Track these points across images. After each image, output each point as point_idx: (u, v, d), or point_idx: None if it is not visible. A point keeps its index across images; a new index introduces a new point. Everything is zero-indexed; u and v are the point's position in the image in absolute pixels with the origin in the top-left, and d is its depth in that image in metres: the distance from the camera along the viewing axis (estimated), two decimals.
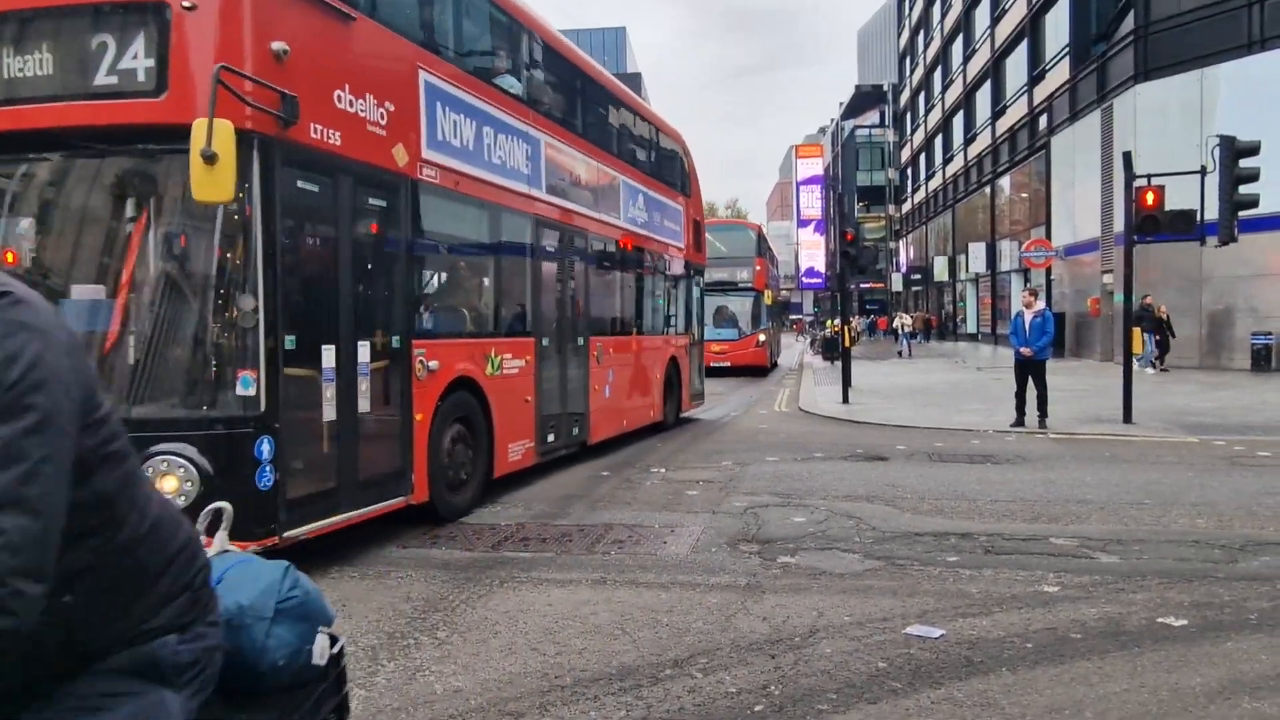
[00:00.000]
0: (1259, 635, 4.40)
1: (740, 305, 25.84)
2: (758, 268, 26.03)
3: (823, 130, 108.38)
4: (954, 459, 10.16)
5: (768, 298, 26.17)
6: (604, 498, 8.16)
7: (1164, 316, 22.08)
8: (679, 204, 14.25)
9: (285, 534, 5.32)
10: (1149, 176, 12.46)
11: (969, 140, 44.27)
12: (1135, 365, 20.52)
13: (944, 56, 49.63)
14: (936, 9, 51.59)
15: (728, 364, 24.74)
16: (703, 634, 4.52)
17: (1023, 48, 35.13)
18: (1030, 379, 12.62)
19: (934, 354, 34.95)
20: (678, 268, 14.17)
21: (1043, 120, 32.87)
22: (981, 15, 41.34)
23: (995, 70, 39.04)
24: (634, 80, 78.98)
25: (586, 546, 6.33)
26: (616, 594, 5.21)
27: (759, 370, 26.39)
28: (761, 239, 28.16)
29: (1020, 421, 12.64)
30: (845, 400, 16.42)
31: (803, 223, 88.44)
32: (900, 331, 36.57)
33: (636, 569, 5.75)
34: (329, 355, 5.76)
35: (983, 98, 41.71)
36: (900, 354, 34.13)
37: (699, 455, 10.79)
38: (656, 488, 8.62)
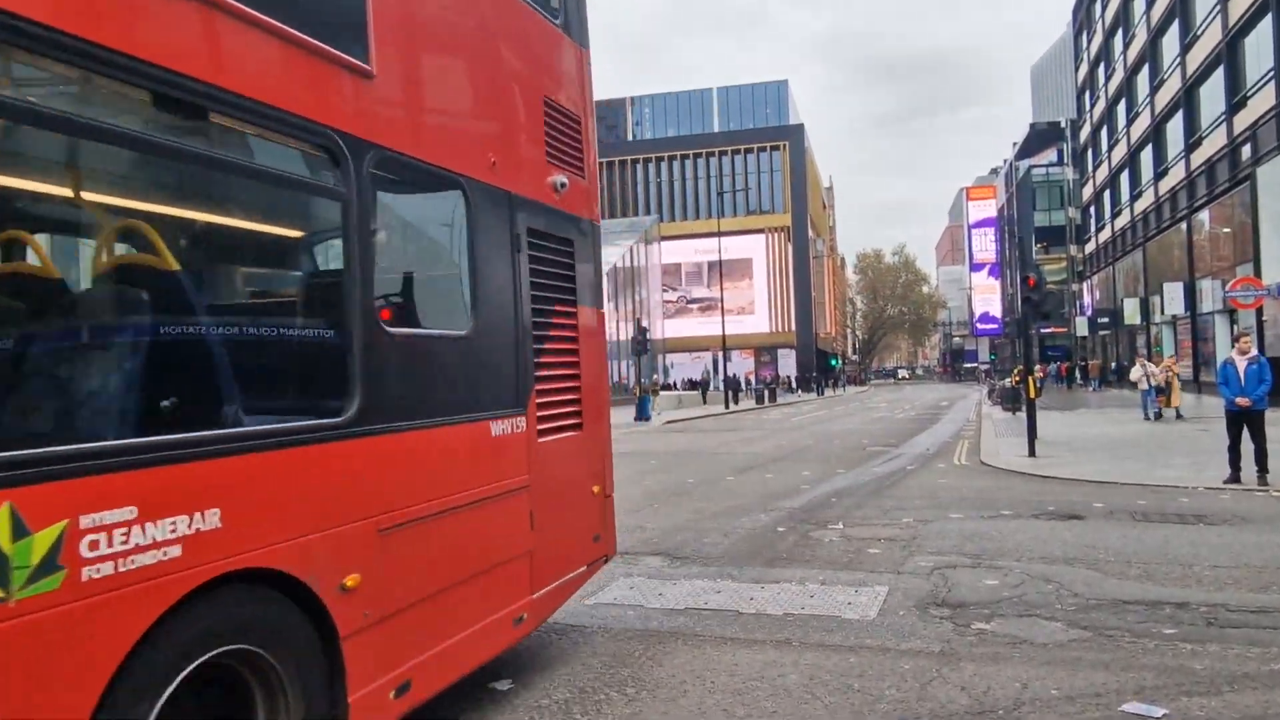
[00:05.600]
0: None
1: None
2: None
3: (994, 171, 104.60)
4: (1161, 519, 9.40)
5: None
6: (782, 555, 8.05)
7: None
8: None
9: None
10: None
11: (1159, 175, 41.58)
12: None
13: (1128, 88, 47.04)
14: (1118, 40, 49.11)
15: None
16: (898, 701, 4.36)
17: (1219, 74, 32.83)
18: (1247, 431, 11.57)
19: (1128, 403, 32.54)
20: None
21: (1245, 149, 30.50)
22: (1170, 43, 38.99)
23: (1187, 99, 36.63)
24: (797, 131, 79.31)
25: (768, 605, 6.26)
26: (803, 656, 5.11)
27: None
28: None
29: (1236, 478, 11.57)
30: (1032, 453, 15.55)
31: (976, 266, 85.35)
32: (1142, 386, 24.44)
33: (822, 630, 5.62)
34: None
35: (1174, 129, 39.16)
36: (1154, 416, 23.59)
37: (878, 511, 10.48)
38: (836, 545, 8.43)
